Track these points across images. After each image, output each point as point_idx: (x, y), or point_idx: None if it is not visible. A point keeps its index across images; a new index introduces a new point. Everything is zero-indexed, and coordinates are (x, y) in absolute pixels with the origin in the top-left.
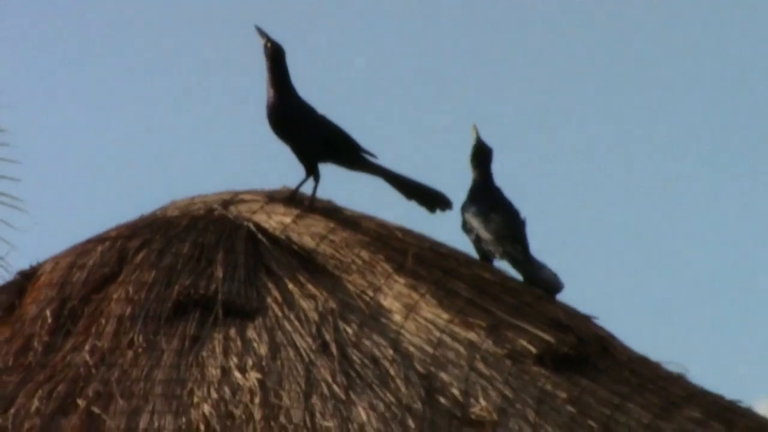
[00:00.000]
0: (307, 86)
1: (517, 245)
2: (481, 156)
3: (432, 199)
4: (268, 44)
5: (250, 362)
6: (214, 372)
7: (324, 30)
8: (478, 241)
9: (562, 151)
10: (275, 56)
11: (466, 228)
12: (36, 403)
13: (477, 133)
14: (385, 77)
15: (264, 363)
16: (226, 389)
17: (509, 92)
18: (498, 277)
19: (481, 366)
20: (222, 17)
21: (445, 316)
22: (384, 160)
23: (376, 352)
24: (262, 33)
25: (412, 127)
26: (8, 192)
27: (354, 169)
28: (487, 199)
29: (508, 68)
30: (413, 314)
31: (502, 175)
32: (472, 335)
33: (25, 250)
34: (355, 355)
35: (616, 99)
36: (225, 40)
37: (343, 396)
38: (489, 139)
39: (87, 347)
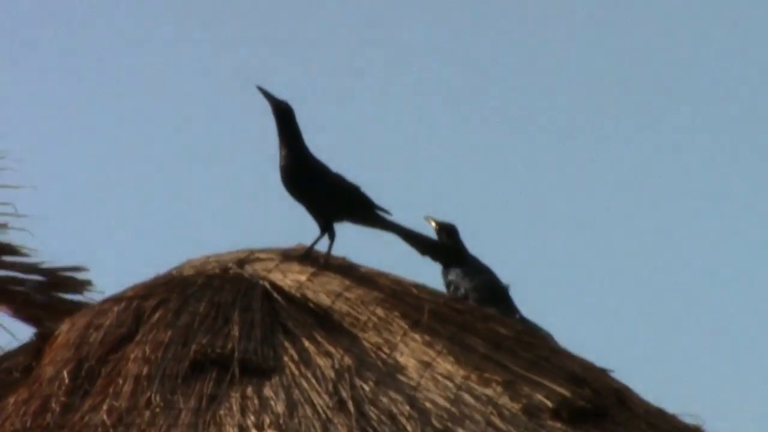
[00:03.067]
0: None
1: (502, 304)
2: (447, 232)
3: (445, 255)
4: (273, 105)
5: (267, 420)
6: (231, 431)
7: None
8: (465, 299)
9: (568, 204)
10: (284, 116)
11: (451, 289)
12: None
13: (433, 220)
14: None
15: (281, 421)
16: None
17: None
18: (513, 331)
19: (497, 421)
20: (234, 69)
21: (462, 372)
22: (397, 216)
23: (393, 409)
24: (265, 94)
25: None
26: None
27: (369, 226)
28: (467, 263)
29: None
30: (429, 370)
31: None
32: (488, 390)
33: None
34: (372, 412)
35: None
36: (240, 96)
37: None
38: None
39: (104, 407)
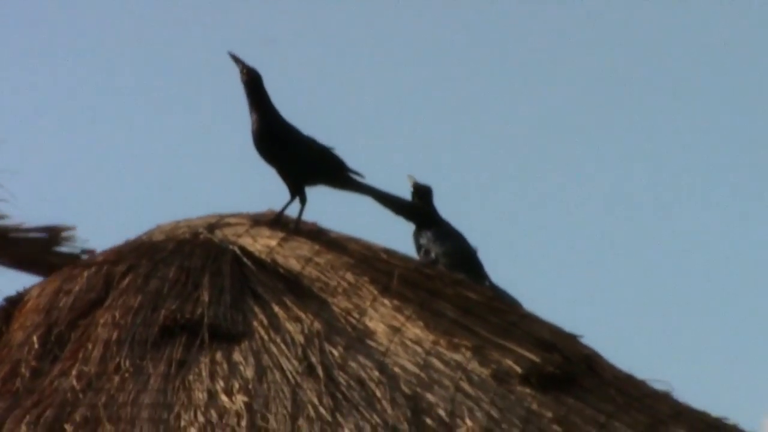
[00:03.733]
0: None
1: (473, 270)
2: (422, 194)
3: (417, 216)
4: (244, 71)
5: (236, 385)
6: (200, 396)
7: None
8: (434, 263)
9: (543, 167)
10: (252, 82)
11: (422, 252)
12: (24, 428)
13: (412, 180)
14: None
15: (250, 386)
16: (213, 413)
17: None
18: (483, 297)
19: (466, 386)
20: (205, 40)
21: (431, 337)
22: (369, 178)
23: (362, 374)
24: (236, 60)
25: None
26: None
27: (341, 188)
28: (439, 227)
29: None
30: (399, 336)
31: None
32: (457, 356)
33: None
34: (341, 377)
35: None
36: (210, 62)
37: (329, 418)
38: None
39: (74, 372)
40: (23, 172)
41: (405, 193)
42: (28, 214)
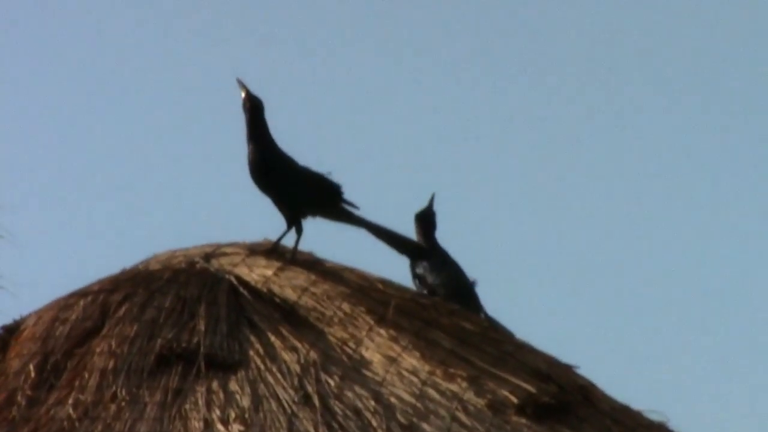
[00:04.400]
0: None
1: (468, 300)
2: (425, 219)
3: (413, 251)
4: (246, 98)
5: (232, 414)
6: (197, 425)
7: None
8: (431, 293)
9: (539, 197)
10: (253, 109)
11: (417, 281)
12: None
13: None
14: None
15: (247, 415)
16: None
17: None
18: (479, 327)
19: (462, 416)
20: (203, 67)
21: (427, 367)
22: (364, 210)
23: (359, 404)
24: (242, 85)
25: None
26: None
27: (336, 220)
28: (436, 257)
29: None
30: (395, 366)
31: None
32: (453, 386)
33: (6, 306)
34: (337, 407)
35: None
36: (209, 91)
37: None
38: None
39: (70, 401)
40: (19, 204)
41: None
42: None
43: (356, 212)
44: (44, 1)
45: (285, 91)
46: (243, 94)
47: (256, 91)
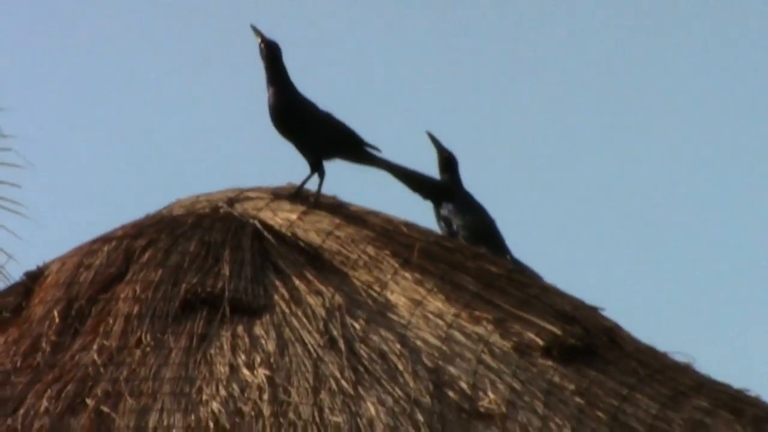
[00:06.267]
0: (309, 79)
1: (493, 243)
2: (447, 164)
3: (436, 190)
4: (263, 44)
5: (258, 359)
6: (222, 369)
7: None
8: (455, 235)
9: (568, 142)
10: (271, 55)
11: (443, 224)
12: (45, 403)
13: (435, 141)
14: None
15: (272, 360)
16: (235, 386)
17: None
18: (504, 270)
19: (488, 359)
20: (224, 15)
21: (452, 310)
22: (386, 153)
23: (384, 347)
24: (257, 32)
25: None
26: (10, 197)
27: (358, 163)
28: (461, 200)
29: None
30: (420, 309)
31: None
32: (479, 329)
33: (28, 254)
34: (362, 351)
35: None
36: (228, 36)
37: (351, 391)
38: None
39: (95, 347)
40: (42, 140)
41: (427, 156)
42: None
43: (378, 154)
44: None
45: (298, 37)
46: (259, 40)
47: (271, 36)
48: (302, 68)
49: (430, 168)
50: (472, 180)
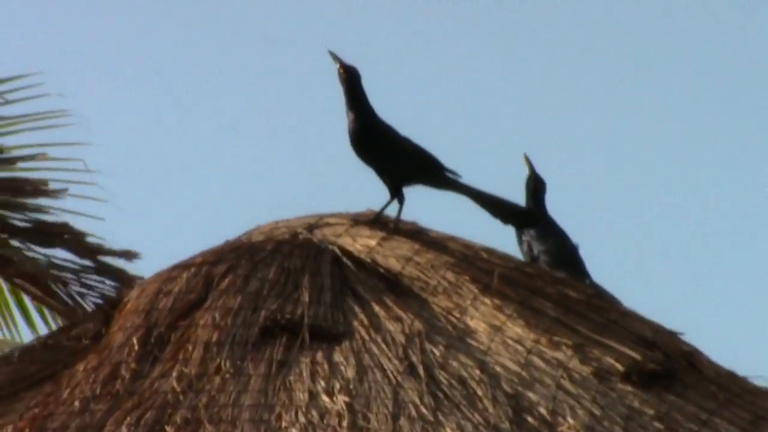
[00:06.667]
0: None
1: (574, 268)
2: (536, 189)
3: (518, 216)
4: (341, 68)
5: (337, 386)
6: (301, 396)
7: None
8: (536, 260)
9: (646, 163)
10: (350, 79)
11: (525, 247)
12: (125, 430)
13: (529, 163)
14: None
15: (351, 386)
16: (314, 413)
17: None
18: (584, 295)
19: (568, 384)
20: (304, 39)
21: (532, 335)
22: (465, 178)
23: (463, 373)
24: (335, 57)
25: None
26: (94, 231)
27: (439, 188)
28: (543, 224)
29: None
30: (500, 334)
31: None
32: (558, 354)
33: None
34: (442, 376)
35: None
36: (311, 62)
37: (431, 417)
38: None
39: (174, 374)
40: (119, 171)
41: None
42: (126, 213)
43: (459, 180)
44: None
45: (375, 62)
46: (337, 66)
47: (350, 61)
48: (382, 91)
49: (510, 191)
50: (553, 203)
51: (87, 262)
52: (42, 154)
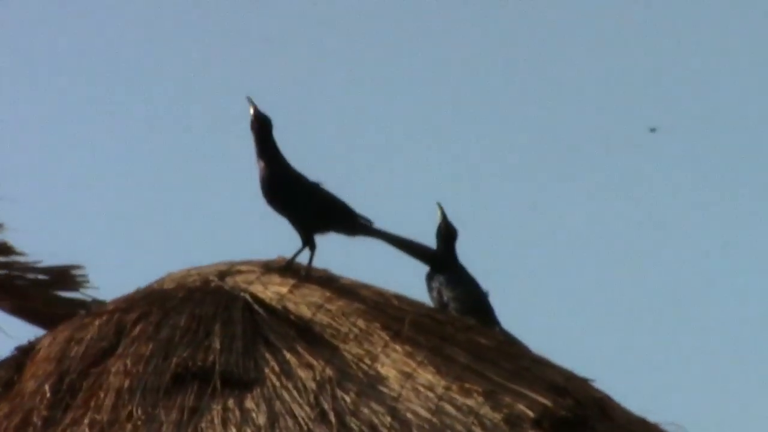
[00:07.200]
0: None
1: (483, 316)
2: (447, 237)
3: (431, 257)
4: (255, 117)
5: None
6: None
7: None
8: (445, 307)
9: (548, 211)
10: (261, 128)
11: (435, 293)
12: None
13: (442, 212)
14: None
15: None
16: None
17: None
18: (494, 341)
19: (479, 431)
20: (214, 82)
21: (443, 382)
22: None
23: (375, 420)
24: (251, 103)
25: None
26: None
27: (351, 234)
28: (453, 271)
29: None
30: (411, 381)
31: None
32: (470, 401)
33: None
34: (353, 424)
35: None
36: (219, 107)
37: None
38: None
39: (86, 421)
40: (28, 204)
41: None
42: (32, 250)
43: (371, 225)
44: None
45: (287, 103)
46: (252, 112)
47: (265, 109)
48: (289, 132)
49: (422, 238)
50: (463, 249)
51: None
52: None
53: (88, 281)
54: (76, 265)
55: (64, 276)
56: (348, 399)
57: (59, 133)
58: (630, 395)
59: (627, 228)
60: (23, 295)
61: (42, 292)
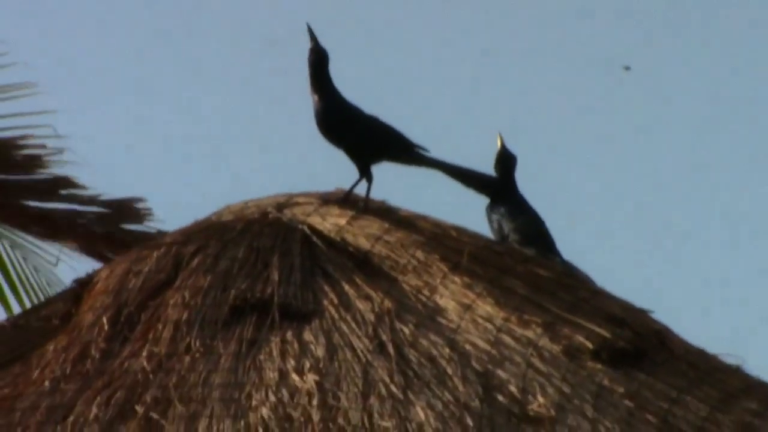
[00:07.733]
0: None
1: (544, 246)
2: (505, 164)
3: (489, 186)
4: (313, 49)
5: (307, 365)
6: (271, 375)
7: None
8: (505, 238)
9: (619, 144)
10: (317, 61)
11: (494, 227)
12: (95, 410)
13: (501, 140)
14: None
15: (321, 365)
16: (284, 392)
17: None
18: (554, 273)
19: (538, 363)
20: (273, 18)
21: (502, 314)
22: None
23: (433, 351)
24: (311, 35)
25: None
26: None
27: (408, 164)
28: (513, 202)
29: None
30: (469, 313)
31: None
32: (528, 332)
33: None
34: (412, 355)
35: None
36: (276, 42)
37: (400, 396)
38: (515, 144)
39: (144, 353)
40: (95, 141)
41: (487, 155)
42: (97, 184)
43: (427, 154)
44: None
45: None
46: (311, 45)
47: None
48: (349, 69)
49: (480, 167)
50: (523, 179)
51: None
52: None
53: (151, 213)
54: (138, 198)
55: (128, 209)
56: (407, 330)
57: (119, 69)
58: (689, 327)
59: (693, 159)
60: (88, 234)
61: (106, 227)
